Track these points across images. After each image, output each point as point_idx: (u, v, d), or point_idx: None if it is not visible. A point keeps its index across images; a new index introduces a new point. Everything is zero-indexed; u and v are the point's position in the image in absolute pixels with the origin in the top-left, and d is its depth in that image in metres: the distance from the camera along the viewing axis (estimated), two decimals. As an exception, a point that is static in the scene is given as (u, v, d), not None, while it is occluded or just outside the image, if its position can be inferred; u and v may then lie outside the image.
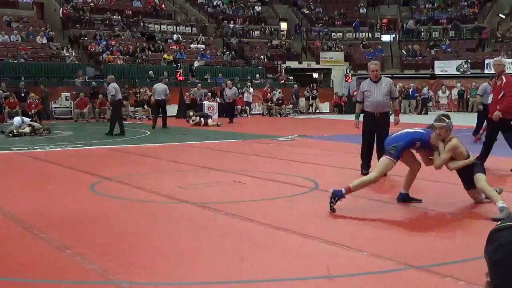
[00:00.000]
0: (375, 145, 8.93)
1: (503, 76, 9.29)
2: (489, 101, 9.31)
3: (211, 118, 22.31)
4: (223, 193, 7.54)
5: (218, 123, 21.70)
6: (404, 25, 41.91)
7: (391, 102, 9.21)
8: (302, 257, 4.63)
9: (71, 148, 13.37)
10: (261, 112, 29.33)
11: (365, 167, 8.90)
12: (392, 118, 9.25)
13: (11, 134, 16.08)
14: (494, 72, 9.50)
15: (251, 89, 28.65)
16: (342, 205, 6.60)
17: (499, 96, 9.09)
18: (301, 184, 8.07)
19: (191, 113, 22.79)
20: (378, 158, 7.76)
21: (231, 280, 4.11)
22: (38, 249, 4.91)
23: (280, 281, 4.07)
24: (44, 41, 30.47)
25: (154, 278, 4.18)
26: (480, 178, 6.18)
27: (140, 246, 5.01)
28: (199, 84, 28.56)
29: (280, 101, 29.62)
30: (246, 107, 28.39)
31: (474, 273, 4.17)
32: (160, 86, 19.17)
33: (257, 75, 32.94)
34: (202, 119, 21.58)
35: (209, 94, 28.02)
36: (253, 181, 8.51)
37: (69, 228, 5.63)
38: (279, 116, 28.84)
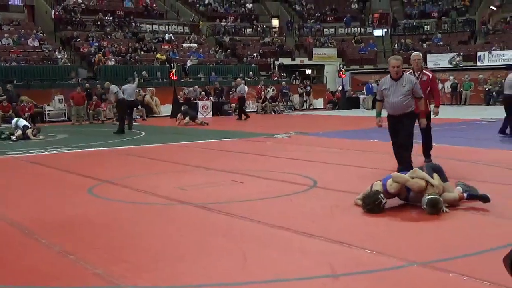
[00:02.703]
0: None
1: (426, 71, 9.46)
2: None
3: (197, 117, 22.15)
4: (222, 193, 7.52)
5: (204, 121, 21.64)
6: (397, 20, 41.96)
7: (415, 101, 8.16)
8: (306, 256, 4.63)
9: (66, 151, 13.32)
10: (255, 110, 29.32)
11: (401, 163, 8.10)
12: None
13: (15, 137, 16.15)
14: (412, 66, 9.39)
15: (245, 87, 28.63)
16: (341, 203, 6.61)
17: (427, 91, 9.13)
18: (299, 182, 8.07)
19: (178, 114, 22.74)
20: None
21: (237, 281, 4.10)
22: (40, 255, 4.89)
23: (286, 281, 4.06)
24: (36, 43, 30.39)
25: (159, 281, 4.17)
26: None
27: (143, 249, 5.00)
28: (195, 85, 28.56)
29: (274, 98, 29.65)
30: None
31: (478, 268, 4.20)
32: (130, 87, 19.09)
33: (250, 73, 32.96)
34: (188, 117, 21.51)
35: (203, 93, 28.00)
36: (252, 180, 8.50)
37: (70, 232, 5.61)
38: (273, 113, 28.85)
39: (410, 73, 9.10)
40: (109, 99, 18.77)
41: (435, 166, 6.48)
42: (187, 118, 21.42)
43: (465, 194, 6.18)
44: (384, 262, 4.40)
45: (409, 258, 4.45)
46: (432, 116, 9.57)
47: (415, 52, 10.14)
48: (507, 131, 13.77)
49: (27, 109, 22.57)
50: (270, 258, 4.64)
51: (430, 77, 9.39)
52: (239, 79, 26.48)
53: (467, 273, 4.05)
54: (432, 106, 9.61)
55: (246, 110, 25.02)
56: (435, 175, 6.24)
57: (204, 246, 5.00)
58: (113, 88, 18.14)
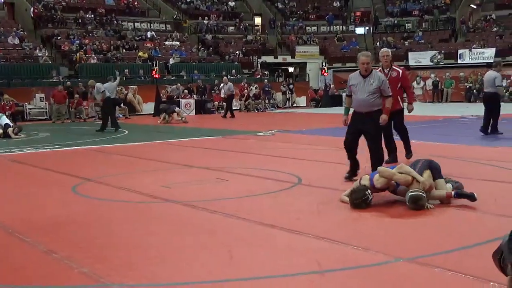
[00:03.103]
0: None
1: (396, 68, 9.38)
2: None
3: (175, 110, 22.07)
4: (207, 191, 7.51)
5: (183, 118, 21.57)
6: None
7: (382, 100, 7.82)
8: (292, 253, 4.64)
9: (49, 149, 13.20)
10: (239, 108, 29.31)
11: (350, 172, 7.88)
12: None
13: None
14: (381, 63, 9.34)
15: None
16: (326, 200, 6.64)
17: (397, 88, 9.15)
18: (284, 180, 8.08)
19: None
20: (372, 161, 7.71)
21: (223, 279, 4.10)
22: (25, 254, 4.84)
23: (273, 278, 4.07)
24: (16, 41, 30.05)
25: (144, 279, 4.15)
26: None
27: (127, 247, 4.97)
28: (178, 84, 28.48)
29: (257, 96, 29.66)
30: (223, 103, 28.31)
31: (463, 263, 4.24)
32: (111, 86, 18.98)
33: (233, 71, 32.93)
34: (166, 115, 21.46)
35: (186, 91, 27.92)
36: (236, 178, 8.50)
37: (54, 231, 5.56)
38: (256, 111, 28.86)
39: (380, 70, 8.93)
40: (96, 98, 18.58)
41: (431, 164, 6.45)
42: (164, 116, 21.39)
43: (453, 193, 6.23)
44: (370, 258, 4.43)
45: (395, 254, 4.48)
46: (406, 113, 9.62)
47: (384, 48, 9.98)
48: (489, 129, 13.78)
49: (7, 107, 22.32)
50: (256, 255, 4.64)
51: (400, 73, 9.30)
52: (225, 77, 26.43)
53: (452, 268, 4.09)
54: (405, 104, 9.68)
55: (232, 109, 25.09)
56: (427, 172, 6.26)
57: (189, 244, 4.99)
58: (99, 86, 17.94)
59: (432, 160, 6.59)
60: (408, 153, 9.57)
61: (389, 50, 9.78)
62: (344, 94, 31.96)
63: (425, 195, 6.00)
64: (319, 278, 4.09)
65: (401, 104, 9.39)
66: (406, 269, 4.21)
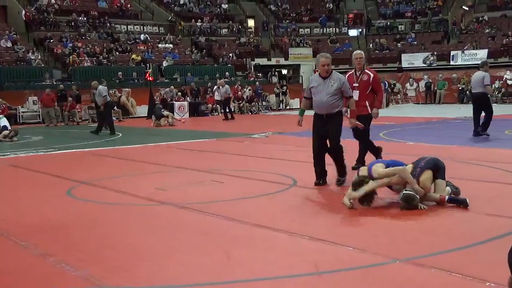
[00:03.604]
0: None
1: (367, 71, 8.85)
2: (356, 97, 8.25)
3: (164, 116, 22.07)
4: (202, 193, 7.51)
5: (170, 120, 21.51)
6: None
7: (343, 101, 7.81)
8: (288, 255, 4.65)
9: (43, 153, 13.16)
10: (233, 110, 29.28)
11: (319, 178, 7.76)
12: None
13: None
14: (355, 65, 8.87)
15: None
16: (322, 201, 6.66)
17: (367, 92, 8.69)
18: (279, 181, 8.09)
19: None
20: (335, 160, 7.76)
21: (219, 281, 4.10)
22: (20, 257, 4.82)
23: (270, 280, 4.08)
24: (9, 44, 29.94)
25: (140, 281, 4.15)
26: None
27: (123, 250, 4.97)
28: (171, 86, 28.46)
29: (251, 99, 29.69)
30: (217, 105, 28.34)
31: (459, 263, 4.26)
32: (104, 88, 18.95)
33: (227, 73, 32.91)
34: (156, 119, 21.49)
35: (179, 93, 27.91)
36: (232, 180, 8.51)
37: (50, 234, 5.55)
38: (250, 113, 28.87)
39: (352, 73, 8.86)
40: (97, 100, 18.50)
41: (437, 162, 6.44)
42: (153, 119, 21.43)
43: (447, 197, 6.23)
44: (367, 259, 4.44)
45: (392, 255, 4.49)
46: (372, 117, 8.79)
47: (357, 51, 9.53)
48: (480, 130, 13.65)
49: (0, 110, 22.23)
50: (253, 257, 4.64)
51: (372, 77, 8.76)
52: (222, 80, 26.45)
53: (449, 268, 4.10)
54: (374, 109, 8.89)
55: (222, 110, 25.17)
56: (427, 173, 6.26)
57: (186, 246, 4.99)
58: (102, 90, 17.94)
59: (438, 159, 6.54)
60: (358, 164, 8.64)
61: (362, 52, 9.21)
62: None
63: (418, 196, 6.03)
64: (316, 279, 4.10)
65: (369, 110, 8.75)
66: (403, 270, 4.22)
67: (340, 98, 7.69)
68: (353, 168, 8.32)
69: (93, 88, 19.22)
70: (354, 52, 9.19)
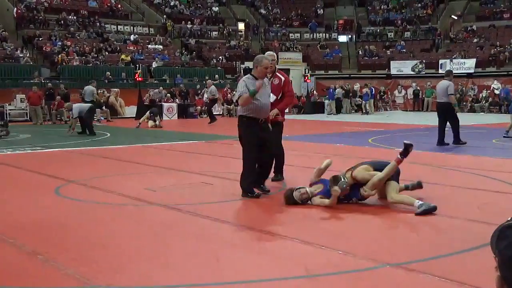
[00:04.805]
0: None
1: (280, 75, 8.40)
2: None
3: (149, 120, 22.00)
4: (192, 194, 7.49)
5: (157, 122, 21.40)
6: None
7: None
8: (278, 257, 4.64)
9: (30, 151, 13.06)
10: (221, 113, 29.28)
11: (259, 188, 7.41)
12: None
13: None
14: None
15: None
16: (313, 204, 6.66)
17: (279, 96, 8.23)
18: (269, 184, 8.07)
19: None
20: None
21: (208, 282, 4.09)
22: (9, 255, 4.77)
23: (260, 282, 4.07)
24: (-3, 41, 29.73)
25: (131, 282, 4.13)
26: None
27: (112, 250, 4.94)
28: (160, 87, 28.39)
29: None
30: (206, 107, 28.29)
31: (448, 269, 4.27)
32: (90, 88, 18.88)
33: (216, 76, 32.89)
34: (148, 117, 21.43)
35: (168, 95, 27.84)
36: (221, 182, 8.49)
37: (38, 233, 5.50)
38: (239, 116, 28.79)
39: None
40: (86, 99, 18.55)
41: (381, 163, 6.84)
42: (147, 115, 21.37)
43: (417, 210, 6.12)
44: (357, 264, 4.45)
45: (382, 259, 4.51)
46: (271, 116, 7.76)
47: (269, 52, 9.01)
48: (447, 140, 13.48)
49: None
50: (243, 259, 4.63)
51: (283, 81, 8.32)
52: (210, 81, 26.36)
53: (439, 274, 4.12)
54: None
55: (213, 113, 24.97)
56: (363, 166, 6.66)
57: (175, 247, 4.97)
58: (93, 90, 18.08)
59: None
60: (277, 175, 8.42)
61: (275, 54, 8.77)
62: (326, 102, 32.24)
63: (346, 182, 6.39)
64: (307, 282, 4.10)
65: (283, 117, 8.32)
66: (393, 274, 4.23)
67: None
68: (273, 180, 8.24)
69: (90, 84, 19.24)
70: (266, 53, 8.62)
